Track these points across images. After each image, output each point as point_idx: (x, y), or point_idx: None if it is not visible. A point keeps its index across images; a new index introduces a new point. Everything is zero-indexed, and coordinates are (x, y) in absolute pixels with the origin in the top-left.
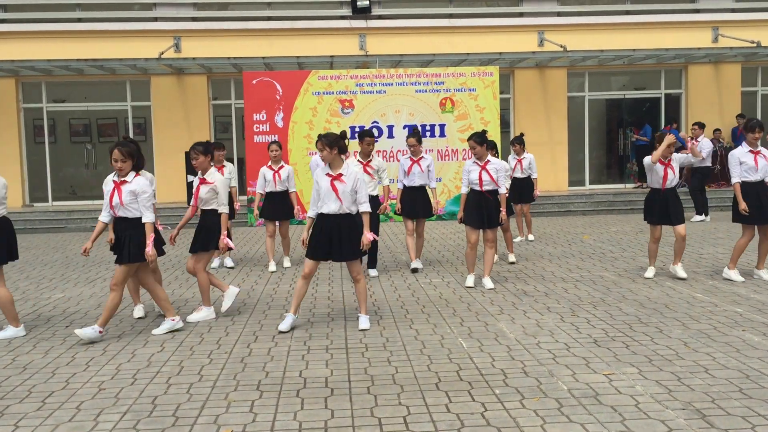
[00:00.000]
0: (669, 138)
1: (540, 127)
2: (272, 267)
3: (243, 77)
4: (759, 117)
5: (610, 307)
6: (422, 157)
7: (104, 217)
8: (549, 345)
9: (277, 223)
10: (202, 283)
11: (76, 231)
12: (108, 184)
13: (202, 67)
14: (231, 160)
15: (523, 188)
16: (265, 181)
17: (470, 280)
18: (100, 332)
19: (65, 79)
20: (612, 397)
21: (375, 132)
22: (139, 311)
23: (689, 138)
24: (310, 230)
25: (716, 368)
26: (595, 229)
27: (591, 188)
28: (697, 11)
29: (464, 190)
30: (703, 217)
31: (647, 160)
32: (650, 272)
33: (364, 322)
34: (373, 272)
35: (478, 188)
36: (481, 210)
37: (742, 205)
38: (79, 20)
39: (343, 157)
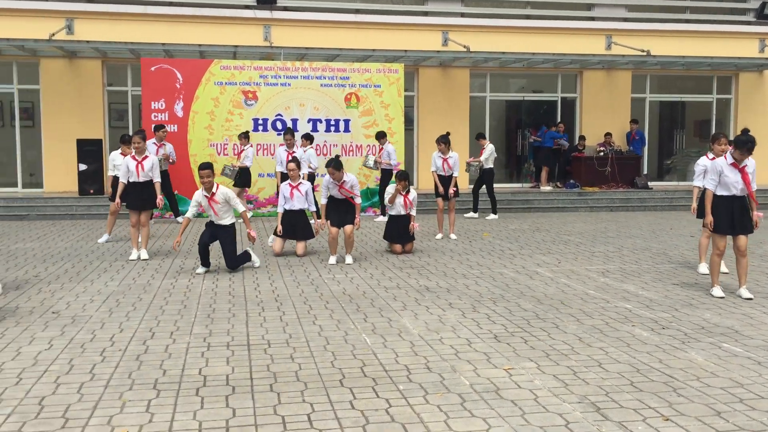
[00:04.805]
0: None
1: (442, 126)
2: (134, 255)
3: (141, 63)
4: (647, 122)
5: (509, 303)
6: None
7: None
8: (451, 340)
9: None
10: None
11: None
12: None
13: (96, 51)
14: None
15: (447, 186)
16: (128, 171)
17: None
18: None
19: None
20: (512, 392)
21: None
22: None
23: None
24: None
25: (609, 362)
26: (495, 226)
27: None
28: (593, 19)
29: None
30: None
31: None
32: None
33: None
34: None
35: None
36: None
37: None
38: None
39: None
